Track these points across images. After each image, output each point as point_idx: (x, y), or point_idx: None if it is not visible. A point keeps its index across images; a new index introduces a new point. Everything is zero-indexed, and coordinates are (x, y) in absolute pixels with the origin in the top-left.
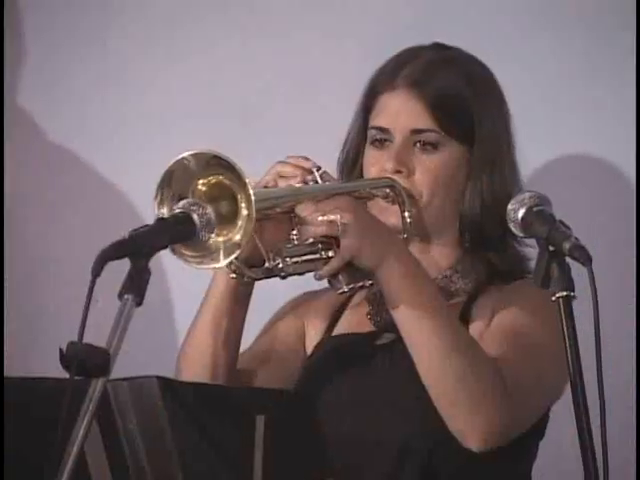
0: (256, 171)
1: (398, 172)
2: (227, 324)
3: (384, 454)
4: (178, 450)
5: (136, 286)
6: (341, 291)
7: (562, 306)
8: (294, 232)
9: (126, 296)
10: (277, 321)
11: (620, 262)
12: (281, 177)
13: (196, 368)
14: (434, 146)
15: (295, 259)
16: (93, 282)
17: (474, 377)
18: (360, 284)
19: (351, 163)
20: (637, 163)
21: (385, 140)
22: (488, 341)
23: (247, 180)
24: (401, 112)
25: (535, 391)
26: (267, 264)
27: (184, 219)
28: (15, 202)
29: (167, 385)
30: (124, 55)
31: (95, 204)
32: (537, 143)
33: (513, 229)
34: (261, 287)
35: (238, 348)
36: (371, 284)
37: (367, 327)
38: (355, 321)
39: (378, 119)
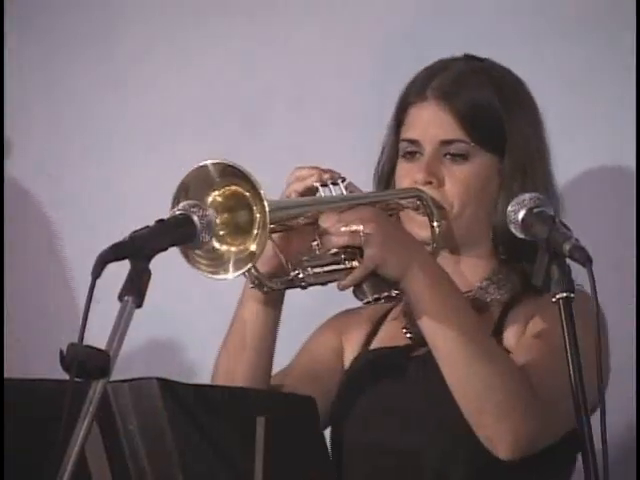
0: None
1: (429, 183)
2: (259, 339)
3: (418, 466)
4: (178, 451)
5: (136, 288)
6: (366, 301)
7: (562, 307)
8: (316, 242)
9: (126, 298)
10: (315, 339)
11: (620, 262)
12: (299, 181)
13: (231, 380)
14: (464, 157)
15: (317, 269)
16: (93, 283)
17: (500, 385)
18: (386, 294)
19: (386, 177)
20: (637, 163)
21: (416, 152)
22: (521, 350)
23: (262, 190)
24: (430, 124)
25: (566, 400)
26: (289, 275)
27: (184, 221)
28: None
29: (167, 386)
30: (125, 56)
31: (96, 205)
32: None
33: (513, 230)
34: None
35: (272, 360)
36: (397, 294)
37: (403, 341)
38: (391, 335)
39: (408, 131)
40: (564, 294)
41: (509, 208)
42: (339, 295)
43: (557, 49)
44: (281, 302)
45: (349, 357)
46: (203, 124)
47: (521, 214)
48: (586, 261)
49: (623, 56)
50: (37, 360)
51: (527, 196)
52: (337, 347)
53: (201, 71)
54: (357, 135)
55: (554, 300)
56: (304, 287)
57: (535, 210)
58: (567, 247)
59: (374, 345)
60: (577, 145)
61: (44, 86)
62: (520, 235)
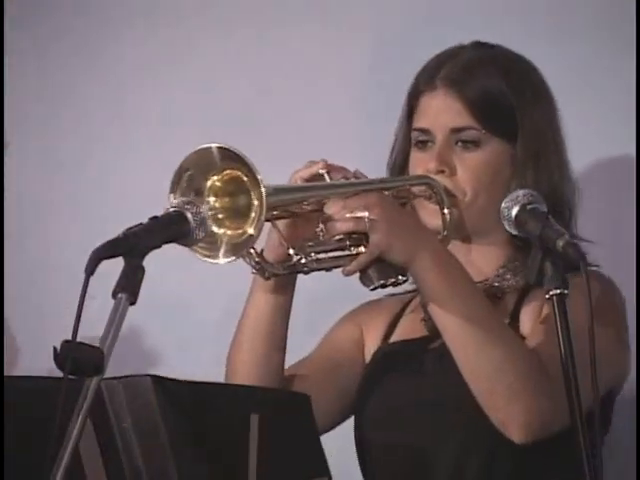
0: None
1: (441, 172)
2: (269, 329)
3: (434, 458)
4: (172, 448)
5: (130, 285)
6: (372, 287)
7: (556, 304)
8: (320, 228)
9: (120, 295)
10: (335, 331)
11: (620, 263)
12: (305, 168)
13: (246, 372)
14: (475, 144)
15: (320, 255)
16: (87, 280)
17: (511, 368)
18: (392, 280)
19: (399, 167)
20: (637, 163)
21: (427, 141)
22: (535, 334)
23: (259, 174)
24: (441, 112)
25: (581, 383)
26: (291, 261)
27: (178, 218)
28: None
29: (161, 384)
30: (124, 55)
31: (93, 204)
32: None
33: (507, 227)
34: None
35: (284, 351)
36: (405, 280)
37: (422, 333)
38: (411, 327)
39: (419, 121)
40: (557, 291)
41: (502, 205)
42: (356, 286)
43: (557, 50)
44: (291, 292)
45: (369, 351)
46: (202, 123)
47: (514, 211)
48: (580, 258)
49: (623, 56)
50: (35, 358)
51: (520, 192)
52: (358, 339)
53: (200, 70)
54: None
55: (547, 297)
56: (306, 272)
57: (528, 207)
58: (560, 243)
59: (394, 338)
60: (577, 145)
61: (41, 86)
62: (513, 232)
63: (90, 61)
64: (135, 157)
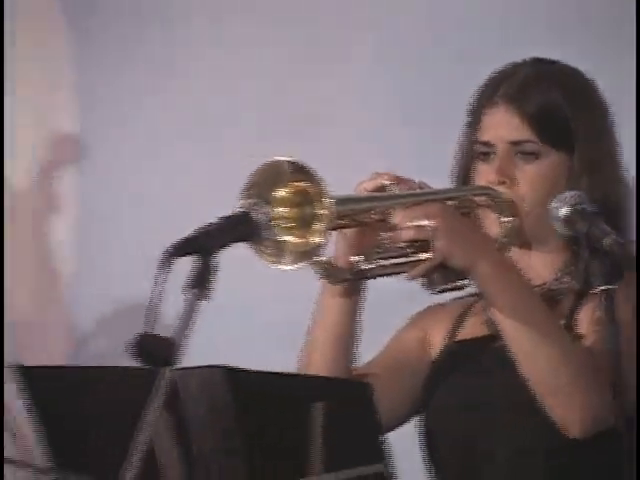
0: None
1: (502, 183)
2: (339, 329)
3: (493, 456)
4: (243, 435)
5: (201, 281)
6: (435, 291)
7: (604, 300)
8: (385, 236)
9: (191, 290)
10: (402, 332)
11: None
12: (370, 180)
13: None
14: (535, 156)
15: (384, 262)
16: (161, 277)
17: (566, 366)
18: (454, 284)
19: (462, 177)
20: (637, 163)
21: (489, 153)
22: (591, 333)
23: (325, 186)
24: (501, 126)
25: (629, 379)
26: (356, 266)
27: (245, 218)
28: None
29: (232, 374)
30: (187, 57)
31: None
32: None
33: (556, 227)
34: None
35: (351, 352)
36: (466, 285)
37: (485, 333)
38: (474, 328)
39: (482, 134)
40: (604, 287)
41: (552, 204)
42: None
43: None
44: (359, 296)
45: (435, 350)
46: (265, 123)
47: (563, 211)
48: (626, 256)
49: (623, 55)
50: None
51: (568, 194)
52: (423, 339)
53: (261, 70)
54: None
55: (595, 293)
56: (370, 278)
57: (577, 207)
58: (607, 242)
59: (458, 338)
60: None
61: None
62: (562, 231)
63: (155, 62)
64: (200, 158)
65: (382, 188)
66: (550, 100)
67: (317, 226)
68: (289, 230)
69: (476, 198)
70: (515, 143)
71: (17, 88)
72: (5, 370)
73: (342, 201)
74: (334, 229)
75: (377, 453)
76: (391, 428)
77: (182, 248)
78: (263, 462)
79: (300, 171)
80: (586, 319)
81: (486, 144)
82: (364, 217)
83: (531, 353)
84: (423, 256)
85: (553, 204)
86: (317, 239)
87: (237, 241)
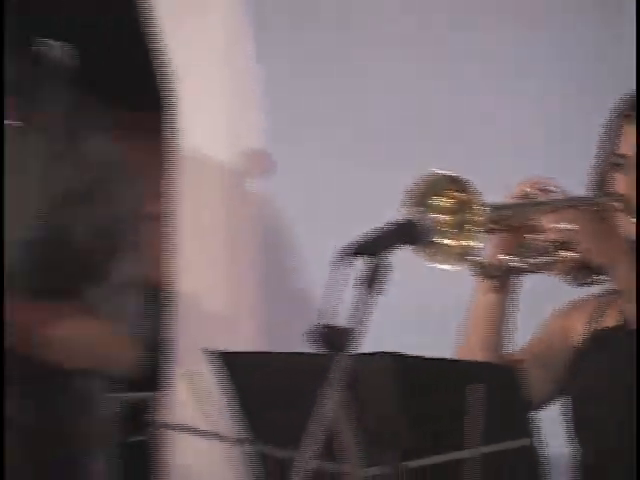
0: None
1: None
2: (490, 322)
3: (615, 441)
4: (405, 415)
5: (372, 278)
6: (577, 285)
7: None
8: (532, 237)
9: (364, 285)
10: (547, 322)
11: None
12: (518, 189)
13: None
14: None
15: (531, 260)
16: (336, 273)
17: None
18: (595, 279)
19: (600, 184)
20: (637, 163)
21: (624, 165)
22: None
23: (479, 196)
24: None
25: None
26: (505, 265)
27: (409, 225)
28: None
29: (398, 359)
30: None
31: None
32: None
33: None
34: None
35: (503, 341)
36: (604, 280)
37: (621, 322)
38: (612, 318)
39: (621, 147)
40: None
41: None
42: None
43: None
44: (509, 292)
45: (577, 338)
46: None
47: None
48: None
49: (623, 54)
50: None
51: None
52: (567, 327)
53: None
54: None
55: None
56: (519, 274)
57: None
58: None
59: (598, 327)
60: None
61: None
62: None
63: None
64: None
65: (526, 195)
66: None
67: (473, 230)
68: (448, 234)
69: (614, 203)
70: None
71: None
72: (204, 354)
73: (496, 208)
74: (488, 232)
75: (525, 429)
76: (538, 407)
77: (357, 250)
78: (425, 438)
79: (456, 182)
80: None
81: (623, 157)
82: (513, 221)
83: None
84: (563, 255)
85: None
86: (473, 242)
87: (404, 244)
